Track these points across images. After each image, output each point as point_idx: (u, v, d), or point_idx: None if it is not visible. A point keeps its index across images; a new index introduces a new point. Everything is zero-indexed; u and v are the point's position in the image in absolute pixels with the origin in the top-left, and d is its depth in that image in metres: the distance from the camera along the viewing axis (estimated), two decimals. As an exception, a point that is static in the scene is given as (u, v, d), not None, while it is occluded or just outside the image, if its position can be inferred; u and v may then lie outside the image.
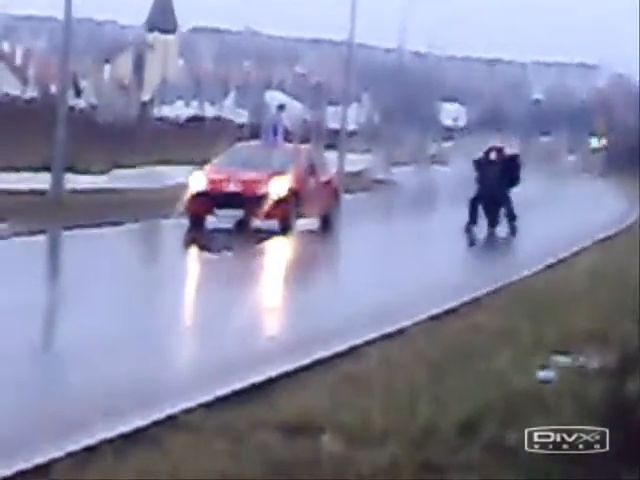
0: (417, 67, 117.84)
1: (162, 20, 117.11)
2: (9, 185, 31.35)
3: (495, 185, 30.15)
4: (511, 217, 30.38)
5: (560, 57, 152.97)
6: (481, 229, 30.21)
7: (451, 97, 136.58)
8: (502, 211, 31.11)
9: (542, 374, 11.58)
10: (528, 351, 12.61)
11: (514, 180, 31.09)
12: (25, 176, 33.46)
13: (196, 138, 60.58)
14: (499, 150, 31.54)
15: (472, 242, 29.33)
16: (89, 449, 8.51)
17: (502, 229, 30.98)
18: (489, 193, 30.16)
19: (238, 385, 11.03)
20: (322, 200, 29.01)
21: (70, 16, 30.08)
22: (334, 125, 71.10)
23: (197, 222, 26.60)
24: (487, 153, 31.35)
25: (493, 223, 30.36)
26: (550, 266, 23.29)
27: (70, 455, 8.29)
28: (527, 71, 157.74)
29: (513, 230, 30.16)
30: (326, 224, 29.16)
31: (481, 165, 31.12)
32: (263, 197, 26.76)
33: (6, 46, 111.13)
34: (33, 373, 12.48)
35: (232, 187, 26.97)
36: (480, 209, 30.47)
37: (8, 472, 7.96)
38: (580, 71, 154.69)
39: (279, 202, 26.69)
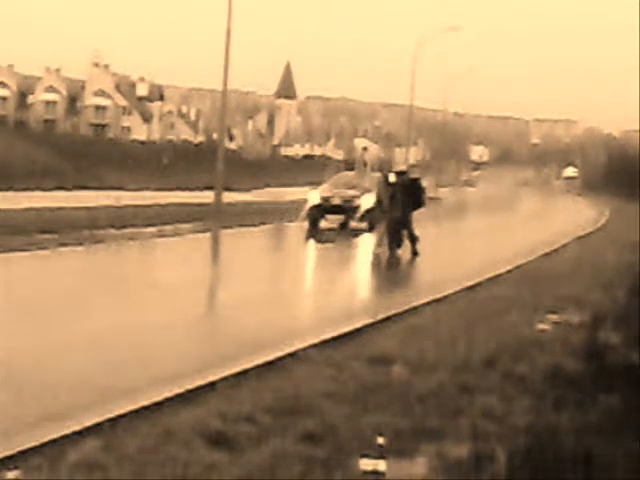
0: (455, 122, 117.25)
1: (286, 91, 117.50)
2: (187, 200, 31.68)
3: (395, 207, 20.94)
4: (412, 239, 21.09)
5: (551, 115, 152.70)
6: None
7: (478, 142, 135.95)
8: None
9: (540, 326, 11.53)
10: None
11: (417, 203, 21.74)
12: (196, 194, 33.64)
13: (309, 169, 60.64)
14: (400, 173, 22.04)
15: (377, 264, 20.30)
16: (243, 372, 8.53)
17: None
18: (389, 215, 21.02)
19: (337, 331, 10.91)
20: None
21: (226, 88, 30.29)
22: (399, 161, 71.20)
23: (314, 224, 26.58)
24: (386, 176, 21.91)
25: (395, 245, 20.95)
26: (548, 253, 23.22)
27: (227, 377, 8.31)
28: (529, 125, 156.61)
29: (415, 252, 20.86)
30: None
31: (381, 188, 21.77)
32: (357, 207, 26.95)
33: (184, 108, 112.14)
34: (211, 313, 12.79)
35: (337, 201, 27.12)
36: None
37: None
38: (565, 124, 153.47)
39: (368, 211, 26.82)
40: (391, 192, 21.16)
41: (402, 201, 21.03)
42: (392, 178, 21.52)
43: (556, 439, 6.05)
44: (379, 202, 21.74)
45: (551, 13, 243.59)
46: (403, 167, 23.52)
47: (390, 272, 19.87)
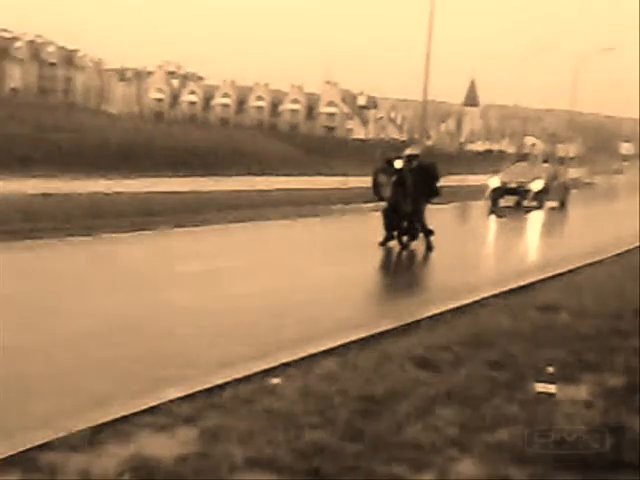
0: (607, 123, 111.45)
1: (471, 100, 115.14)
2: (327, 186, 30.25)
3: (404, 198, 13.89)
4: (426, 232, 14.08)
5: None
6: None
7: (626, 139, 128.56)
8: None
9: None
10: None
11: (431, 192, 14.15)
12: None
13: (487, 160, 59.29)
14: (410, 158, 14.14)
15: (388, 257, 13.45)
16: (440, 314, 8.43)
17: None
18: (395, 205, 13.93)
19: (514, 284, 10.62)
20: (559, 192, 27.99)
21: (425, 99, 30.08)
22: (561, 154, 68.64)
23: (494, 202, 25.76)
24: (390, 161, 14.07)
25: (409, 238, 14.11)
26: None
27: (430, 317, 8.24)
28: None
29: (429, 246, 13.93)
30: (562, 204, 27.99)
31: (385, 174, 14.15)
32: (529, 190, 26.24)
33: (393, 114, 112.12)
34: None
35: (513, 185, 26.40)
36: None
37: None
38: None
39: (537, 193, 26.20)
40: (396, 179, 14.00)
41: (412, 190, 13.96)
42: (398, 164, 14.04)
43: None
44: (374, 188, 14.37)
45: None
46: (414, 150, 14.85)
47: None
